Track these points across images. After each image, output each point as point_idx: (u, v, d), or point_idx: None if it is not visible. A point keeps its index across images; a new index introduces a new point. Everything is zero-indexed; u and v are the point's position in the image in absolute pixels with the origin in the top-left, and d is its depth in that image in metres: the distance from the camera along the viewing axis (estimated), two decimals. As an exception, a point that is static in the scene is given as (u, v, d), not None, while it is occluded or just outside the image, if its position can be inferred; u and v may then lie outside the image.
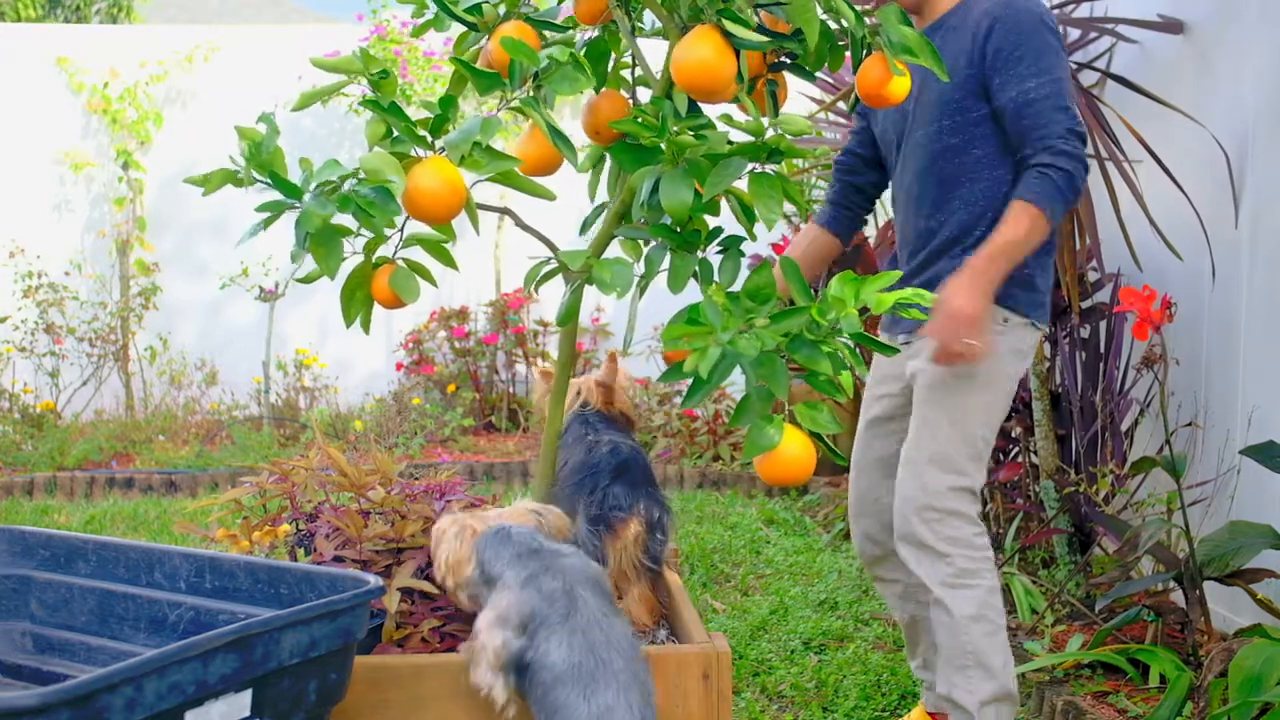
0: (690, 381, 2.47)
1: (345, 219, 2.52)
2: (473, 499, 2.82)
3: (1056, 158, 2.67)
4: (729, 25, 2.52)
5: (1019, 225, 2.67)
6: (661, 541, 2.91)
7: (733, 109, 2.75)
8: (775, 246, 6.00)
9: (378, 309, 2.73)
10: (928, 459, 2.81)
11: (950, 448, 2.80)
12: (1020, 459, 4.40)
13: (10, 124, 8.15)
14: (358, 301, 2.73)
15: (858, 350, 2.52)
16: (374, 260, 2.71)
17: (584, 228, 2.94)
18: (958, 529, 2.77)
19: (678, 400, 7.13)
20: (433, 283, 2.75)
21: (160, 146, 8.17)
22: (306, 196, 2.48)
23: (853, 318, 2.40)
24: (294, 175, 2.52)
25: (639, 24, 2.88)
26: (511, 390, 7.99)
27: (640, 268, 2.74)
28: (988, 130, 2.82)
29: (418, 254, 2.76)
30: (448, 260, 2.78)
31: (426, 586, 2.58)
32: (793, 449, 2.46)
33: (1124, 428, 4.01)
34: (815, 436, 2.52)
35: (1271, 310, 3.47)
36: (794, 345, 2.42)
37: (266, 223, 2.54)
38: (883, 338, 2.96)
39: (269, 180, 2.48)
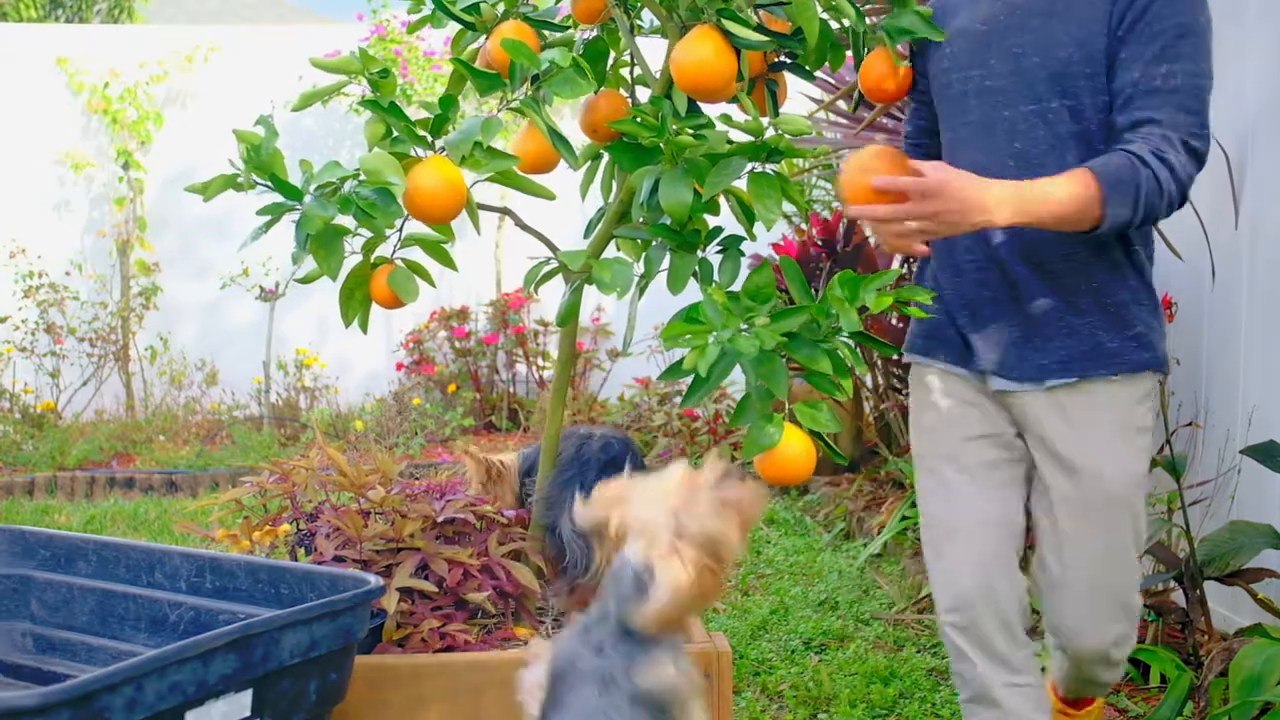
0: (690, 381, 2.47)
1: (345, 219, 2.53)
2: (473, 498, 2.83)
3: (1158, 161, 2.09)
4: (729, 25, 2.53)
5: (1066, 187, 2.10)
6: None
7: (732, 109, 2.76)
8: (775, 246, 6.00)
9: (377, 309, 2.74)
10: (1127, 588, 2.38)
11: (1138, 568, 2.42)
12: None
13: (10, 124, 8.15)
14: (356, 301, 2.73)
15: (857, 350, 2.52)
16: (373, 260, 2.72)
17: (589, 230, 2.95)
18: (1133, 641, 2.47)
19: (678, 400, 7.13)
20: (431, 283, 2.75)
21: (160, 146, 8.18)
22: (307, 198, 2.48)
23: (853, 317, 2.41)
24: (294, 176, 2.53)
25: (638, 23, 2.88)
26: (512, 390, 7.99)
27: (640, 268, 2.75)
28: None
29: (417, 254, 2.76)
30: (446, 260, 2.78)
31: (426, 586, 2.58)
32: (793, 448, 2.46)
33: (1124, 427, 4.00)
34: (815, 436, 2.52)
35: (1271, 310, 3.48)
36: (794, 344, 2.43)
37: (267, 225, 2.54)
38: (962, 373, 2.43)
39: (269, 183, 2.48)
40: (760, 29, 2.61)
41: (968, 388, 2.42)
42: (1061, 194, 2.08)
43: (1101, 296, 2.26)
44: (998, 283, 2.34)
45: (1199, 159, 2.13)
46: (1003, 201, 2.07)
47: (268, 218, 2.53)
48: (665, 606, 1.75)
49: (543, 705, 1.90)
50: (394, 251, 2.72)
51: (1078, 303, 2.27)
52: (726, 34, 2.54)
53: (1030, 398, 2.32)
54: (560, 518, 2.85)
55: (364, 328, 2.74)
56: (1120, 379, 2.28)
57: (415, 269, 2.70)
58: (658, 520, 1.81)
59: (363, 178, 2.49)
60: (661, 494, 1.85)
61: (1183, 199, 2.13)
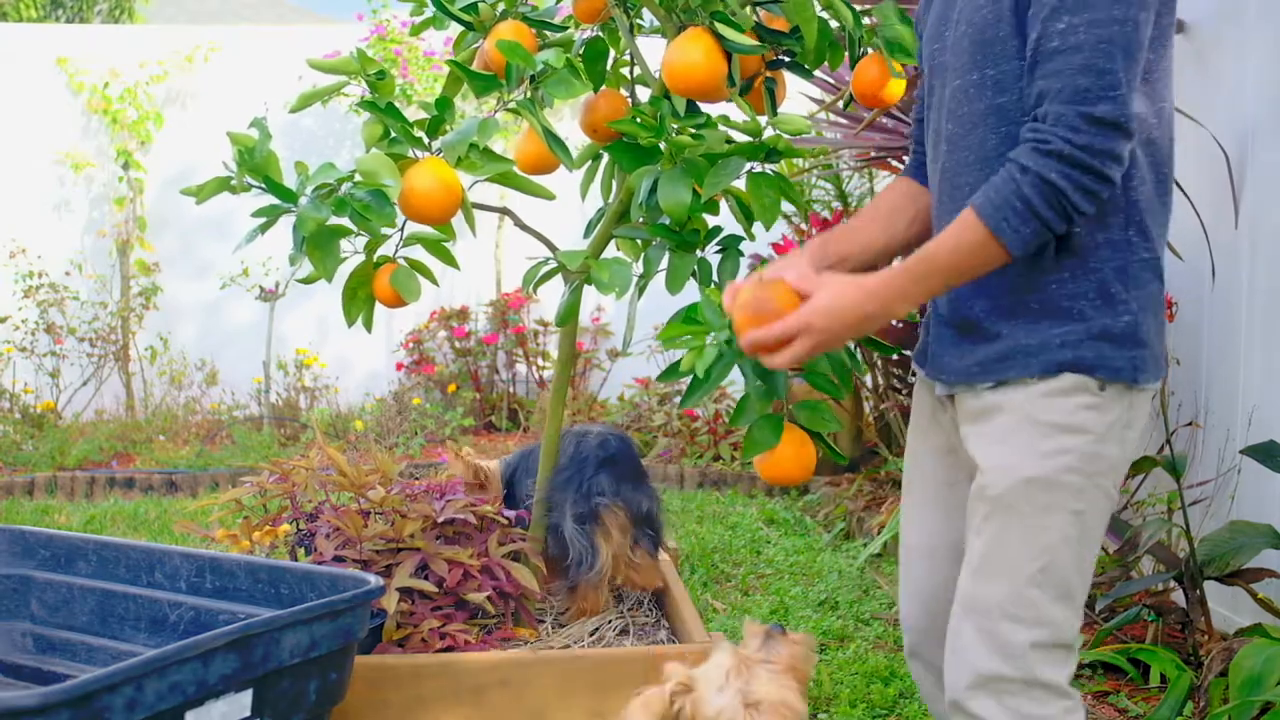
0: (689, 381, 2.47)
1: (344, 220, 2.53)
2: (473, 498, 2.83)
3: (1041, 157, 1.79)
4: (720, 28, 2.53)
5: (949, 241, 1.86)
6: (651, 536, 2.90)
7: (732, 109, 2.76)
8: (775, 246, 6.00)
9: (378, 308, 2.74)
10: (998, 607, 1.91)
11: (1032, 589, 1.90)
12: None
13: (11, 124, 8.15)
14: (359, 301, 2.73)
15: (856, 350, 2.52)
16: (375, 260, 2.72)
17: (588, 230, 2.95)
18: (1042, 705, 1.90)
19: (678, 400, 7.13)
20: (434, 281, 2.75)
21: (160, 146, 8.18)
22: (302, 200, 2.48)
23: None
24: (290, 178, 2.53)
25: (638, 22, 2.88)
26: (512, 390, 7.99)
27: (639, 267, 2.75)
28: None
29: (419, 253, 2.76)
30: (448, 259, 2.78)
31: (426, 586, 2.58)
32: (793, 448, 2.46)
33: (1124, 427, 4.00)
34: (815, 436, 2.52)
35: (1271, 310, 3.48)
36: (792, 344, 2.43)
37: (263, 227, 2.54)
38: (923, 380, 2.22)
39: (263, 185, 2.48)
40: (759, 28, 2.61)
41: (929, 395, 2.20)
42: (945, 252, 1.86)
43: (1024, 294, 1.94)
44: None
45: (1113, 127, 1.78)
46: (891, 296, 1.88)
47: (264, 219, 2.54)
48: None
49: None
50: (396, 251, 2.72)
51: (1001, 302, 1.96)
52: (719, 36, 2.55)
53: (960, 400, 2.05)
54: (562, 517, 2.85)
55: (368, 327, 2.75)
56: (1037, 381, 1.94)
57: (418, 268, 2.70)
58: (728, 704, 1.84)
59: (358, 179, 2.50)
60: (722, 676, 1.87)
61: (1099, 180, 1.80)
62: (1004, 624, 1.90)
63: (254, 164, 2.49)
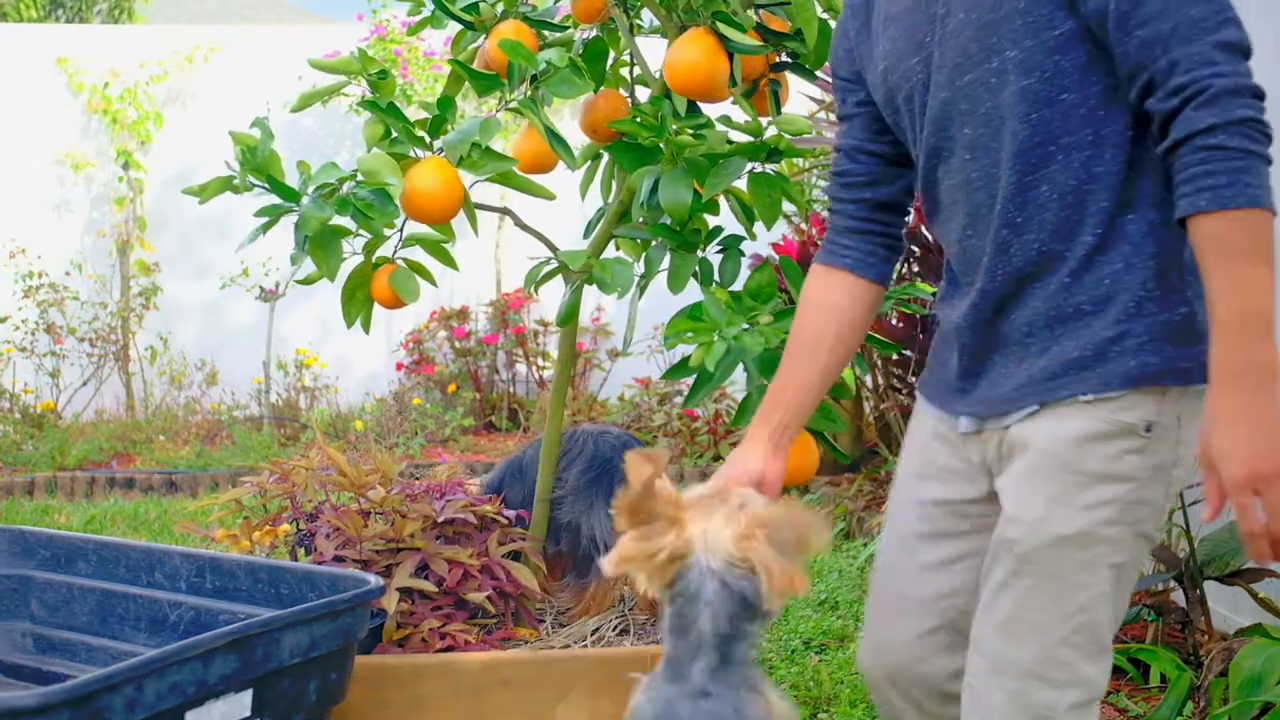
0: (692, 380, 2.48)
1: (345, 220, 2.53)
2: (473, 498, 2.83)
3: (1211, 106, 1.52)
4: (722, 28, 2.53)
5: (1235, 253, 1.51)
6: None
7: (733, 108, 2.76)
8: (775, 246, 6.01)
9: (378, 309, 2.74)
10: (1029, 669, 1.72)
11: (1065, 649, 1.71)
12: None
13: (11, 124, 8.16)
14: (358, 302, 2.74)
15: (860, 349, 2.52)
16: (374, 260, 2.72)
17: (588, 230, 2.95)
18: None
19: (678, 400, 7.14)
20: (432, 282, 2.76)
21: (160, 146, 8.18)
22: (305, 199, 2.49)
23: None
24: (292, 177, 2.53)
25: (637, 23, 2.89)
26: (512, 390, 8.00)
27: (640, 267, 2.75)
28: (1081, 58, 1.65)
29: (418, 254, 2.77)
30: (447, 260, 2.79)
31: (426, 586, 2.59)
32: (796, 449, 2.46)
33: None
34: (817, 435, 2.52)
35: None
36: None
37: (265, 227, 2.55)
38: (929, 411, 1.97)
39: (265, 185, 2.49)
40: (760, 29, 2.61)
41: (934, 439, 1.99)
42: (1242, 283, 1.52)
43: (1073, 293, 1.73)
44: None
45: (1243, 53, 1.56)
46: (1264, 365, 1.54)
47: (266, 219, 2.54)
48: (781, 582, 1.59)
49: None
50: (395, 252, 2.73)
51: (1046, 308, 1.75)
52: (721, 37, 2.55)
53: (988, 437, 1.85)
54: (582, 515, 2.85)
55: (366, 328, 2.75)
56: (1091, 401, 1.71)
57: (416, 269, 2.70)
58: (719, 523, 1.64)
59: (360, 179, 2.50)
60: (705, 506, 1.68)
61: (1261, 98, 1.56)
62: (1036, 687, 1.72)
63: (256, 163, 2.50)
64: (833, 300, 1.98)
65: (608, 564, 1.64)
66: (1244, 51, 1.56)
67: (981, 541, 1.86)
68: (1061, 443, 1.71)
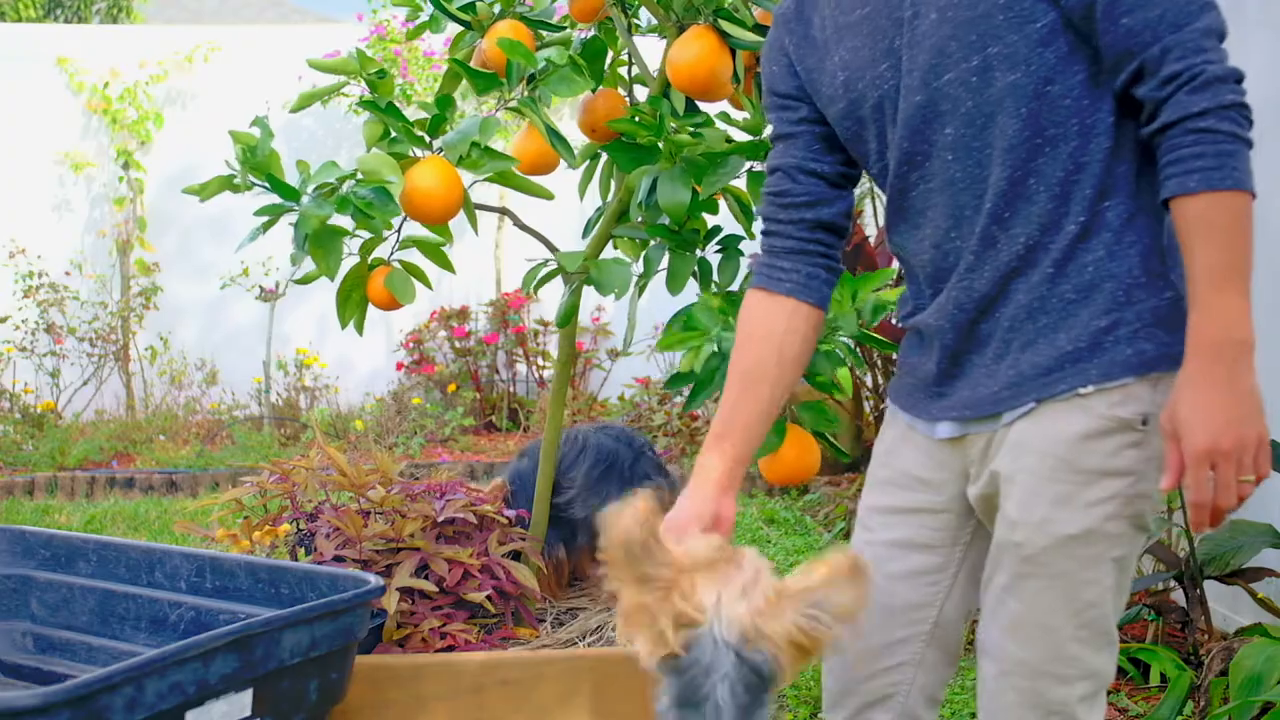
0: (694, 384, 2.48)
1: (344, 220, 2.53)
2: (476, 496, 2.84)
3: (1201, 91, 1.55)
4: (725, 25, 2.53)
5: (1220, 233, 1.55)
6: None
7: (730, 107, 2.76)
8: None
9: (376, 310, 2.74)
10: (1041, 667, 1.74)
11: (1074, 645, 1.72)
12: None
13: (11, 124, 8.17)
14: (353, 303, 2.74)
15: (857, 350, 2.52)
16: (370, 262, 2.72)
17: (587, 230, 2.95)
18: None
19: (678, 400, 7.14)
20: (428, 284, 2.76)
21: (160, 146, 8.19)
22: (304, 198, 2.49)
23: (850, 317, 2.41)
24: (292, 177, 2.53)
25: (635, 22, 2.89)
26: (512, 390, 8.01)
27: (639, 267, 2.75)
28: (1063, 49, 1.65)
29: (414, 256, 2.77)
30: (443, 262, 2.79)
31: (426, 586, 2.59)
32: (796, 448, 2.48)
33: (1123, 427, 4.01)
34: (817, 435, 2.53)
35: (1270, 311, 3.48)
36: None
37: (265, 226, 2.55)
38: (900, 417, 1.93)
39: (265, 184, 2.49)
40: (757, 27, 2.61)
41: (911, 448, 1.95)
42: (1217, 250, 1.56)
43: (1058, 284, 1.72)
44: None
45: (1220, 38, 1.59)
46: (1230, 326, 1.56)
47: (266, 218, 2.54)
48: (790, 663, 1.51)
49: None
50: (392, 254, 2.73)
51: (1030, 300, 1.73)
52: (722, 34, 2.55)
53: (973, 441, 1.82)
54: (596, 511, 2.85)
55: (360, 330, 2.75)
56: (1093, 393, 1.70)
57: (413, 271, 2.71)
58: (734, 594, 1.54)
59: (360, 177, 2.50)
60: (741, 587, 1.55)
61: (1239, 79, 1.57)
62: (1047, 684, 1.73)
63: (255, 162, 2.50)
64: (774, 329, 1.90)
65: (618, 628, 1.56)
66: (1223, 36, 1.58)
67: (951, 555, 1.85)
68: (1060, 443, 1.69)
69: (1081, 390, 1.67)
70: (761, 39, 2.55)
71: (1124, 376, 1.66)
